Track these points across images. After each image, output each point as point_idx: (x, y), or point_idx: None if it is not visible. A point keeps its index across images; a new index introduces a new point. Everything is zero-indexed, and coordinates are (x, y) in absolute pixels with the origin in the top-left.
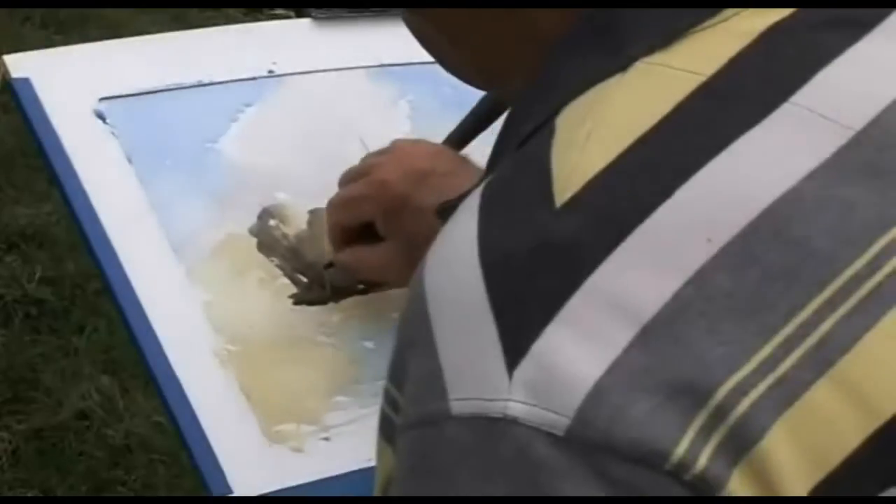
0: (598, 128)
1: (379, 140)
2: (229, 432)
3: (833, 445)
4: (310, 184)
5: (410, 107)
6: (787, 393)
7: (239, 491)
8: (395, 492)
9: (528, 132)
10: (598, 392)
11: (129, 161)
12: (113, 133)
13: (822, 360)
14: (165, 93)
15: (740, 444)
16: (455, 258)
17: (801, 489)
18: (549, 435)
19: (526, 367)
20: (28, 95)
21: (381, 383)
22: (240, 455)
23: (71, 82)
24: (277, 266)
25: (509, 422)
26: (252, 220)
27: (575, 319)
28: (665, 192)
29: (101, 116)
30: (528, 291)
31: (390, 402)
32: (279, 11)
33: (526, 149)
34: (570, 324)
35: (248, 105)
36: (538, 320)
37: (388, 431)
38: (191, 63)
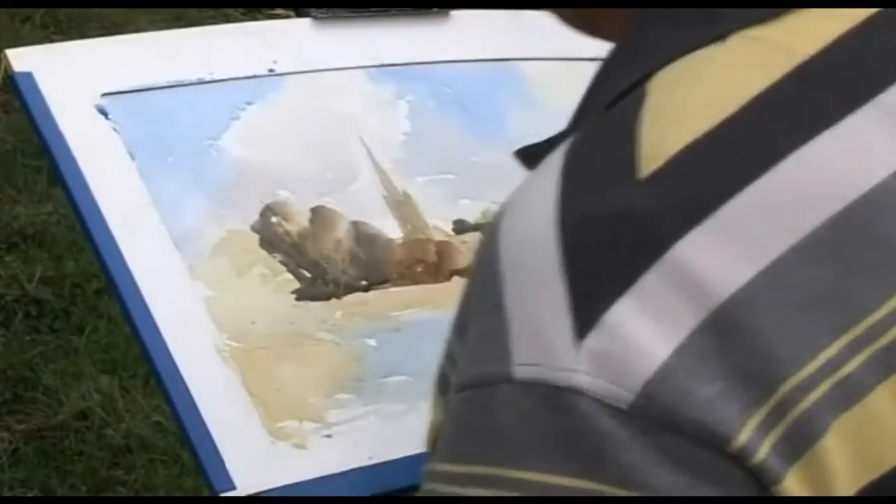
0: (689, 100)
1: (379, 140)
2: (232, 429)
3: (886, 450)
4: (311, 182)
5: (410, 107)
6: (847, 394)
7: (242, 487)
8: (443, 449)
9: (618, 93)
10: (665, 371)
11: (132, 157)
12: (115, 129)
13: (886, 364)
14: (167, 89)
15: (798, 442)
16: (532, 219)
17: (850, 490)
18: (613, 408)
19: (594, 338)
20: (30, 90)
21: (382, 381)
22: (242, 451)
23: (73, 77)
24: (280, 262)
25: (573, 392)
26: (254, 216)
27: (647, 295)
28: (750, 176)
29: (103, 112)
30: (602, 261)
31: (449, 356)
32: (279, 11)
33: (615, 112)
34: (642, 299)
35: (249, 103)
36: (610, 292)
37: (443, 385)
38: (193, 60)
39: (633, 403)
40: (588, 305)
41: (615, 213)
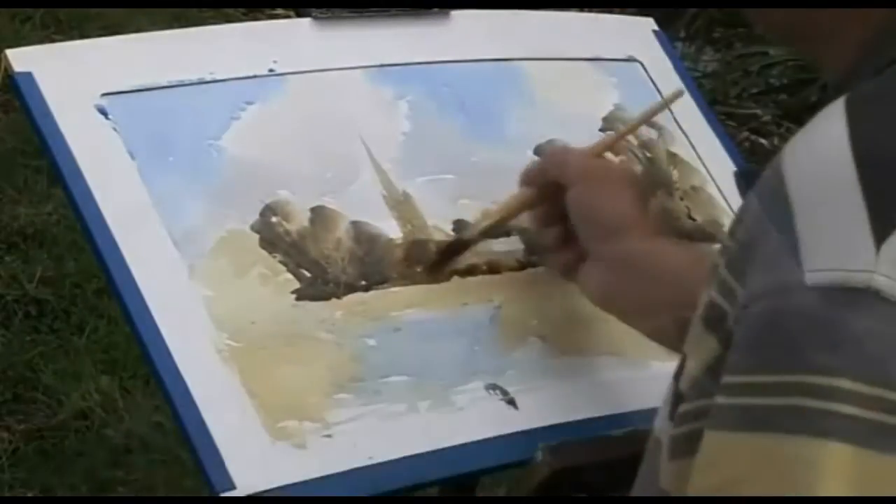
0: None
1: (379, 140)
2: (232, 429)
3: None
4: (311, 182)
5: (409, 107)
6: None
7: (241, 487)
8: (732, 370)
9: (890, 60)
10: None
11: (132, 157)
12: (115, 129)
13: None
14: (167, 89)
15: None
16: (824, 152)
17: None
18: None
19: (893, 242)
20: (31, 90)
21: (382, 381)
22: (242, 451)
23: (73, 77)
24: (280, 262)
25: (871, 293)
26: (254, 216)
27: None
28: None
29: (103, 112)
30: None
31: (724, 291)
32: (279, 11)
33: (893, 71)
34: None
35: (249, 103)
36: None
37: (713, 321)
38: (193, 60)
39: None
40: (888, 213)
41: None
